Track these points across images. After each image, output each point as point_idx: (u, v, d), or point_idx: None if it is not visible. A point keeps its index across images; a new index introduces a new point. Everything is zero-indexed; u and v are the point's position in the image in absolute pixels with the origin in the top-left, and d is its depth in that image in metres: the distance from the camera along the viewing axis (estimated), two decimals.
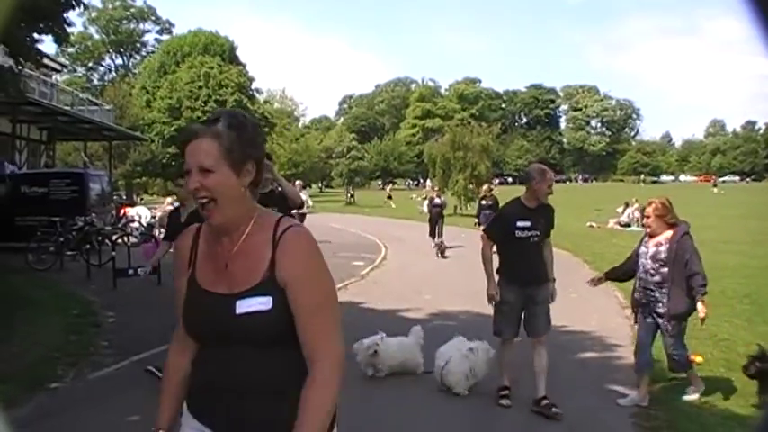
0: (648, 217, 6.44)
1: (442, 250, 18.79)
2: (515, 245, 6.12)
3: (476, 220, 20.43)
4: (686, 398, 6.35)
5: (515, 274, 6.19)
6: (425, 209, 23.80)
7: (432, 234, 20.57)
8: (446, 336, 7.35)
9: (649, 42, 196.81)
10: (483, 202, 20.27)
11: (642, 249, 6.45)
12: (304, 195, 20.70)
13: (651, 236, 6.39)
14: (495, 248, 6.40)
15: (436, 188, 24.91)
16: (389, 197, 54.76)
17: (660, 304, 6.17)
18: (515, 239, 6.10)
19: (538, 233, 6.15)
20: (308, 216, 18.30)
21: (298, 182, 22.88)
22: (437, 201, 21.65)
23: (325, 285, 2.08)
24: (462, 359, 6.67)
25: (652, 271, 6.20)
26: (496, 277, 6.31)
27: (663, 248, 6.17)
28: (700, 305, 6.03)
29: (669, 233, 6.20)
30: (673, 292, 6.06)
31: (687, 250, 6.11)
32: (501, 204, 18.94)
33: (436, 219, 20.90)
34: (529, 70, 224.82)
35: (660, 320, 6.20)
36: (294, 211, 23.53)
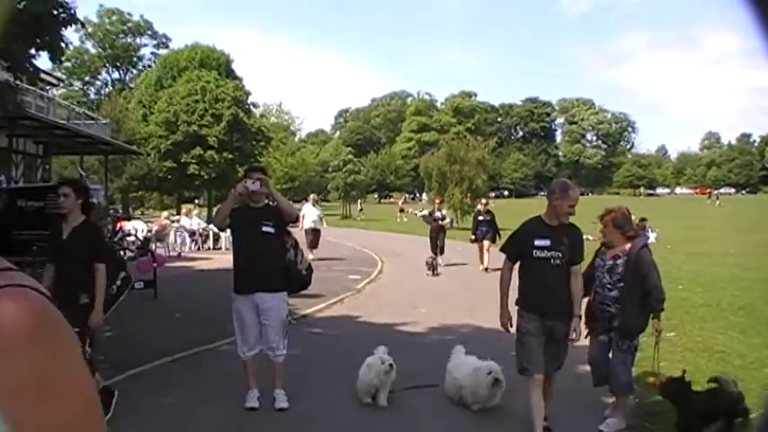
0: (605, 226, 6.15)
1: (433, 267, 17.53)
2: (533, 266, 5.62)
3: (472, 237, 18.98)
4: (603, 428, 5.99)
5: (532, 300, 5.60)
6: (419, 215, 22.16)
7: (434, 251, 18.58)
8: (447, 350, 7.36)
9: (645, 56, 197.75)
10: (480, 218, 18.75)
11: (599, 262, 6.18)
12: (317, 211, 20.36)
13: (608, 247, 6.14)
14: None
15: (437, 200, 22.26)
16: (402, 210, 54.70)
17: (616, 320, 5.93)
18: (533, 260, 5.60)
19: (560, 255, 5.56)
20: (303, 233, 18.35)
21: (312, 195, 22.33)
22: (437, 214, 19.50)
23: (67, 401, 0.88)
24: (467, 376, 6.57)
25: (609, 285, 5.97)
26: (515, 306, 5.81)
27: (620, 262, 5.95)
28: (654, 321, 5.86)
29: (627, 246, 5.97)
30: (628, 307, 5.82)
31: (645, 264, 5.88)
32: (496, 218, 18.46)
33: (437, 233, 19.05)
34: (524, 84, 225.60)
35: (612, 336, 5.96)
36: (308, 227, 19.81)
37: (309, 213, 20.02)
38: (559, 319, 5.60)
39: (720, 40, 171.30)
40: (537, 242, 5.54)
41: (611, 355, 6.03)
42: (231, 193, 6.86)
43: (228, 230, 7.24)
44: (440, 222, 19.29)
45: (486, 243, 18.23)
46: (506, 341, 9.24)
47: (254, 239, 6.45)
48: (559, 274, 5.57)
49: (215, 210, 5.61)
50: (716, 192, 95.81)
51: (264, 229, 6.43)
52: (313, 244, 19.45)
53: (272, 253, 6.48)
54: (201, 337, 9.25)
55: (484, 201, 20.29)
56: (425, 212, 20.63)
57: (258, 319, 6.51)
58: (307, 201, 21.98)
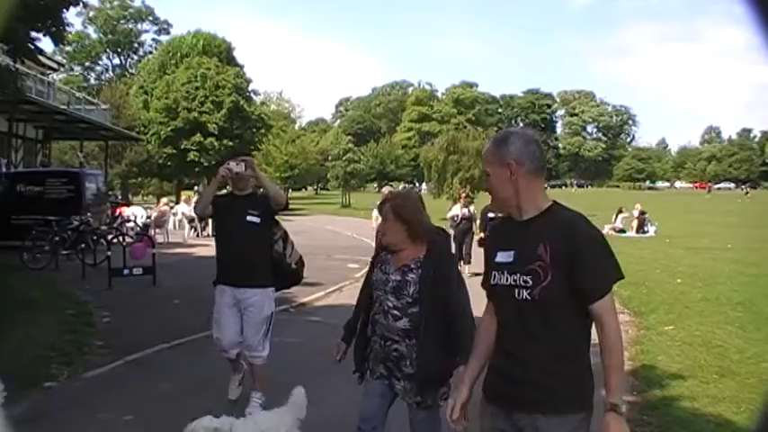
0: (385, 221, 4.02)
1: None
2: (496, 308, 2.94)
3: (481, 235, 13.97)
4: None
5: (490, 378, 2.95)
6: (447, 217, 15.75)
7: (460, 257, 14.51)
8: None
9: (647, 49, 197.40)
10: (491, 214, 13.31)
11: (378, 276, 4.03)
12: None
13: (394, 253, 3.99)
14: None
15: (462, 194, 16.96)
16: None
17: (407, 362, 3.89)
18: (493, 294, 2.93)
19: (531, 280, 2.69)
20: (303, 219, 17.90)
21: (387, 188, 17.00)
22: (465, 212, 15.31)
23: None
24: None
25: (395, 312, 3.87)
26: None
27: (413, 276, 3.86)
28: (462, 369, 3.34)
29: (423, 251, 3.90)
30: (426, 344, 3.78)
31: (449, 278, 3.88)
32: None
33: (462, 237, 15.15)
34: (525, 75, 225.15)
35: (403, 386, 3.95)
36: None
37: (460, 216, 15.36)
38: (537, 409, 2.80)
39: (723, 35, 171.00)
40: (498, 258, 2.84)
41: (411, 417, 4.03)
42: (214, 179, 6.32)
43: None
44: (466, 223, 15.32)
45: None
46: None
47: (236, 229, 5.89)
48: (536, 322, 2.69)
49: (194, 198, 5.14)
50: (712, 186, 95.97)
51: (249, 218, 5.87)
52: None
53: (256, 245, 5.90)
54: (200, 323, 9.23)
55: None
56: (455, 213, 15.35)
57: (240, 316, 6.00)
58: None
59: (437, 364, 3.79)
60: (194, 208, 8.44)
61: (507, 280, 2.76)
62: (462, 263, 14.53)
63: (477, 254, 12.74)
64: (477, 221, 14.75)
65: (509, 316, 2.79)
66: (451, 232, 13.84)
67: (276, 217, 6.15)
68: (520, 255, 2.74)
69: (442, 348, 3.79)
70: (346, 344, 4.22)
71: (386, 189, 15.76)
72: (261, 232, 5.94)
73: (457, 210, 15.49)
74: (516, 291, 2.72)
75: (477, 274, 13.61)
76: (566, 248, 2.63)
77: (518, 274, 2.71)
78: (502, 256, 2.82)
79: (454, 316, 3.80)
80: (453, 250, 13.75)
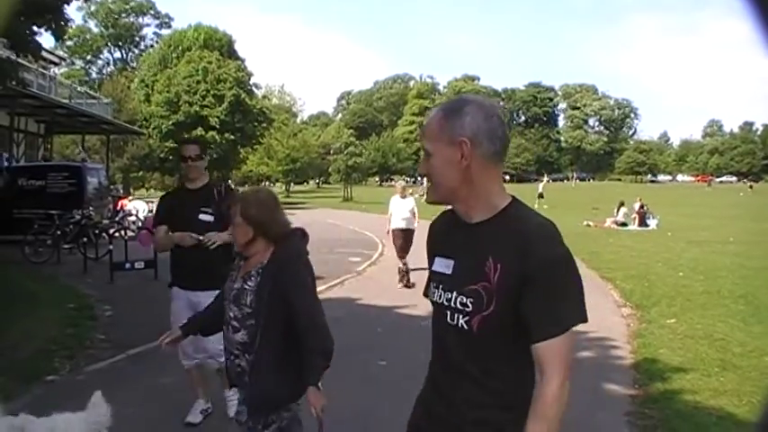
0: (234, 224, 3.49)
1: (404, 273, 12.90)
2: (433, 330, 2.29)
3: None
4: None
5: (416, 405, 2.41)
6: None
7: None
8: None
9: (649, 42, 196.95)
10: None
11: (227, 284, 3.58)
12: (409, 204, 13.56)
13: (246, 258, 3.54)
14: None
15: None
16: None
17: (246, 379, 3.47)
18: (433, 314, 2.29)
19: (472, 302, 2.05)
20: (305, 213, 17.76)
21: (400, 182, 15.85)
22: None
23: None
24: None
25: (234, 323, 3.42)
26: None
27: (251, 284, 3.40)
28: (311, 391, 3.20)
29: (268, 254, 3.41)
30: (260, 361, 3.33)
31: (293, 287, 3.32)
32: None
33: None
34: (527, 68, 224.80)
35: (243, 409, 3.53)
36: (397, 226, 13.43)
37: (398, 208, 13.84)
38: None
39: (725, 27, 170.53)
40: (435, 265, 2.24)
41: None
42: (176, 234, 5.21)
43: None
44: None
45: None
46: None
47: (188, 230, 5.16)
48: (470, 359, 2.09)
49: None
50: (718, 180, 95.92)
51: (201, 217, 5.20)
52: (403, 249, 13.50)
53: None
54: None
55: None
56: None
57: None
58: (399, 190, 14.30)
59: (273, 385, 3.31)
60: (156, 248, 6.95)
61: (441, 297, 2.12)
62: None
63: None
64: None
65: (439, 342, 2.19)
66: None
67: None
68: (460, 268, 2.09)
69: (279, 368, 3.31)
70: (182, 333, 3.69)
71: (399, 183, 15.14)
72: (216, 230, 5.14)
73: None
74: (450, 314, 2.08)
75: (410, 270, 12.96)
76: (519, 269, 1.95)
77: (454, 293, 2.07)
78: (439, 264, 2.18)
79: (301, 329, 3.27)
80: None
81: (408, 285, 12.55)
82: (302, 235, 3.55)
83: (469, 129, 2.02)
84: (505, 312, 1.98)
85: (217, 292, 4.45)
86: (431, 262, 2.25)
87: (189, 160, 5.30)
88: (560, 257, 2.00)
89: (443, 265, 2.16)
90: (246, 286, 3.38)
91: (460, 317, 2.05)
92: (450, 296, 2.09)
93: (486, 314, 2.00)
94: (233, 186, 12.10)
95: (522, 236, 1.98)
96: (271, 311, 3.29)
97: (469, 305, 2.03)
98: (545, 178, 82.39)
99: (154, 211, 5.60)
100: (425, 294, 2.28)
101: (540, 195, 46.04)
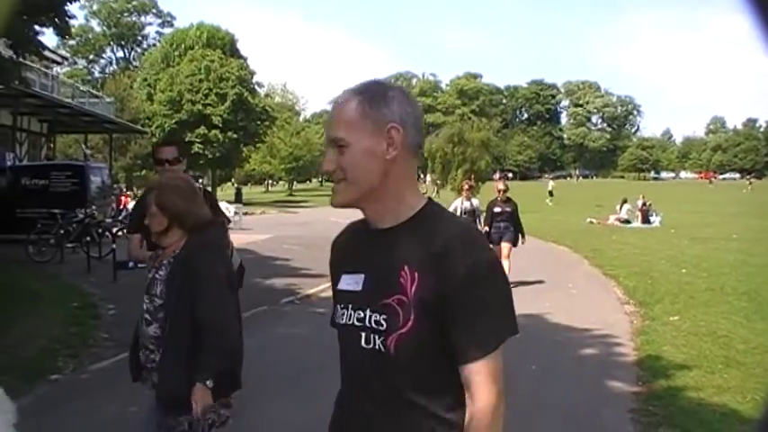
0: (149, 212, 3.34)
1: None
2: (340, 351, 1.95)
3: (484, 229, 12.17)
4: None
5: None
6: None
7: None
8: None
9: (652, 38, 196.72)
10: (496, 209, 12.43)
11: (156, 274, 3.38)
12: (472, 204, 12.99)
13: (163, 249, 3.41)
14: None
15: (466, 186, 14.47)
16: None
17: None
18: (339, 334, 1.94)
19: (382, 323, 1.74)
20: (308, 211, 17.69)
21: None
22: (467, 205, 12.98)
23: None
24: None
25: (147, 316, 3.36)
26: None
27: (161, 274, 3.31)
28: (197, 388, 3.03)
29: (182, 244, 3.29)
30: (168, 357, 3.19)
31: (198, 279, 3.16)
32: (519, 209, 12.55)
33: None
34: (530, 66, 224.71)
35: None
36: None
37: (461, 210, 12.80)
38: None
39: (729, 24, 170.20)
40: (342, 284, 1.93)
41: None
42: (142, 251, 4.69)
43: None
44: (467, 217, 12.56)
45: (504, 247, 12.12)
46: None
47: None
48: (388, 385, 1.76)
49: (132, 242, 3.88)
50: (721, 177, 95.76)
51: None
52: None
53: None
54: None
55: (501, 185, 13.17)
56: (455, 206, 13.13)
57: None
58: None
59: (179, 383, 3.08)
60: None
61: (351, 318, 1.81)
62: None
63: None
64: (482, 216, 12.99)
65: (354, 369, 1.86)
66: None
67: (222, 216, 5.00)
68: (372, 281, 1.79)
69: (188, 365, 3.10)
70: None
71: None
72: None
73: (458, 203, 13.40)
74: (365, 335, 1.76)
75: None
76: (438, 279, 1.68)
77: (367, 311, 1.76)
78: (346, 282, 1.88)
79: (200, 324, 3.10)
80: None
81: None
82: (221, 226, 3.42)
83: (398, 115, 1.73)
84: (426, 329, 1.69)
85: None
86: (336, 282, 1.94)
87: (166, 164, 4.68)
88: (484, 266, 1.72)
89: (352, 282, 1.84)
90: (157, 276, 3.29)
91: (376, 337, 1.73)
92: (362, 315, 1.77)
93: (403, 332, 1.69)
94: (209, 188, 11.71)
95: (441, 242, 1.70)
96: (180, 304, 3.14)
97: (383, 323, 1.72)
98: (549, 177, 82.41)
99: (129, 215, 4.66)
100: (332, 323, 1.94)
101: (551, 193, 46.19)
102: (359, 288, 1.80)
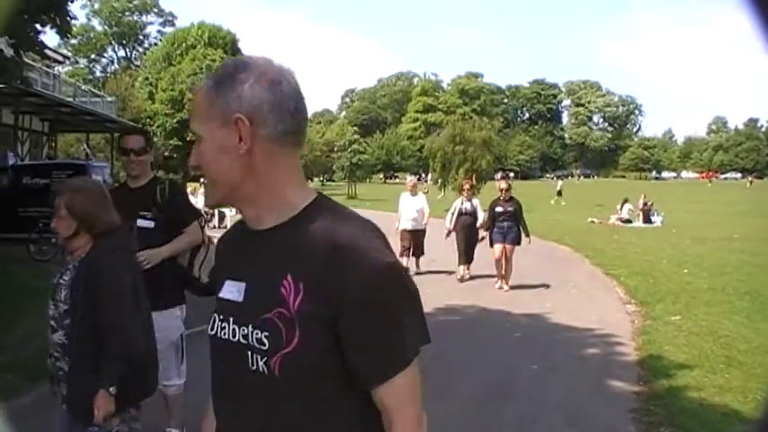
0: (57, 216, 3.27)
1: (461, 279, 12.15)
2: (212, 370, 1.65)
3: (483, 234, 12.37)
4: None
5: None
6: (450, 213, 13.15)
7: (461, 258, 12.81)
8: (451, 330, 7.33)
9: (653, 38, 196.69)
10: (498, 208, 11.95)
11: (60, 279, 3.24)
12: (418, 203, 13.12)
13: (71, 253, 3.31)
14: None
15: (466, 185, 13.77)
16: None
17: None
18: (211, 350, 1.67)
19: (264, 340, 1.45)
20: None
21: (411, 178, 15.27)
22: (467, 206, 12.81)
23: None
24: None
25: (52, 323, 3.16)
26: None
27: (65, 279, 3.22)
28: (101, 395, 2.97)
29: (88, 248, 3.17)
30: (76, 364, 3.09)
31: (99, 284, 3.04)
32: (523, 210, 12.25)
33: (463, 233, 12.63)
34: (531, 65, 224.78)
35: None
36: (405, 226, 12.76)
37: (407, 206, 13.19)
38: None
39: (730, 24, 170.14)
40: (223, 291, 1.60)
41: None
42: None
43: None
44: (468, 218, 12.77)
45: (507, 248, 11.80)
46: (511, 323, 9.32)
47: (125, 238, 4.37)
48: (273, 414, 1.48)
49: None
50: (722, 177, 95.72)
51: (140, 223, 4.30)
52: (408, 252, 12.89)
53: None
54: (203, 316, 9.28)
55: (503, 185, 12.49)
56: (455, 206, 12.99)
57: None
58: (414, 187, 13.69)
59: (87, 391, 2.98)
60: None
61: (236, 333, 1.50)
62: (460, 263, 12.84)
63: (485, 253, 12.33)
64: (481, 216, 12.75)
65: (232, 397, 1.55)
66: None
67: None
68: (253, 292, 1.51)
69: (95, 371, 3.00)
70: None
71: (410, 179, 14.48)
72: (157, 240, 4.34)
73: (458, 203, 13.09)
74: (247, 354, 1.46)
75: (480, 276, 12.61)
76: (330, 290, 1.40)
77: (250, 326, 1.47)
78: (228, 290, 1.57)
79: (103, 330, 3.00)
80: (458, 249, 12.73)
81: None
82: (128, 231, 3.33)
83: (248, 102, 1.45)
84: (316, 348, 1.42)
85: (173, 309, 4.49)
86: (218, 288, 1.62)
87: (131, 153, 4.41)
88: (382, 271, 1.42)
89: (234, 291, 1.54)
90: (62, 281, 3.17)
91: (259, 358, 1.44)
92: (246, 331, 1.47)
93: (287, 352, 1.41)
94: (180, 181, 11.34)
95: (329, 245, 1.42)
96: (86, 309, 3.03)
97: (265, 341, 1.43)
98: (550, 176, 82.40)
99: None
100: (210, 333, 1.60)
101: (559, 193, 46.31)
102: (240, 299, 1.52)
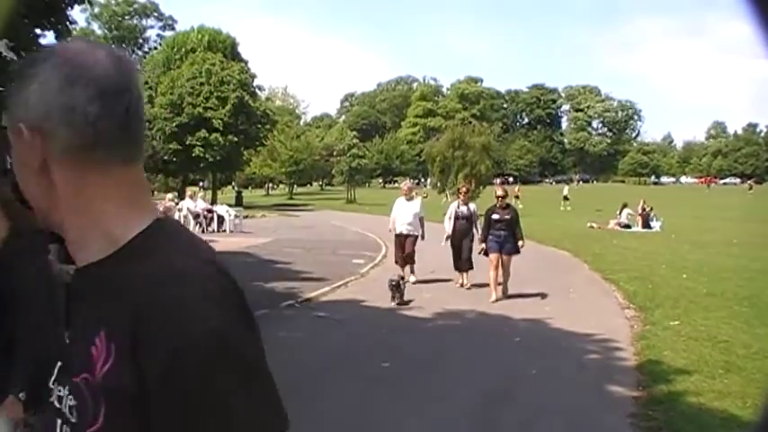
0: None
1: (395, 287, 10.98)
2: None
3: (481, 244, 11.85)
4: None
5: None
6: (446, 216, 12.95)
7: (457, 265, 12.70)
8: (449, 334, 7.35)
9: (652, 44, 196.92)
10: (495, 216, 11.61)
11: None
12: (414, 208, 13.01)
13: None
14: None
15: (463, 189, 13.66)
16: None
17: None
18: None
19: (74, 411, 1.10)
20: (309, 215, 17.76)
21: (406, 182, 14.94)
22: (463, 209, 12.66)
23: None
24: None
25: None
26: None
27: None
28: (10, 401, 2.76)
29: None
30: None
31: (12, 287, 2.83)
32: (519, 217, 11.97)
33: (461, 238, 12.49)
34: (530, 70, 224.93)
35: None
36: (400, 230, 12.58)
37: (402, 211, 13.07)
38: None
39: (729, 29, 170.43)
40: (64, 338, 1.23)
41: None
42: None
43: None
44: (465, 222, 12.59)
45: (504, 258, 11.49)
46: (510, 328, 9.33)
47: None
48: None
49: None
50: (721, 182, 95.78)
51: None
52: (403, 257, 12.91)
53: None
54: None
55: (500, 191, 12.09)
56: (451, 211, 12.79)
57: None
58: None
59: None
60: None
61: (53, 393, 1.16)
62: (458, 271, 12.72)
63: (484, 259, 11.93)
64: (479, 221, 12.37)
65: None
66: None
67: None
68: (73, 344, 1.15)
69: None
70: None
71: (405, 183, 14.32)
72: None
73: (453, 207, 12.83)
74: (59, 423, 1.12)
75: (405, 284, 11.51)
76: (137, 361, 1.01)
77: (65, 389, 1.12)
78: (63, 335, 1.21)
79: (10, 334, 2.79)
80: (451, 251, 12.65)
81: (402, 303, 10.88)
82: (40, 233, 3.04)
83: (33, 108, 1.09)
84: (119, 430, 1.04)
85: None
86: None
87: None
88: (206, 338, 1.00)
89: (61, 339, 1.19)
90: None
91: (66, 428, 1.10)
92: (60, 393, 1.12)
93: (94, 429, 1.04)
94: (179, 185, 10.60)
95: (149, 297, 1.02)
96: None
97: (74, 412, 1.09)
98: (550, 181, 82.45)
99: None
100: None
101: (566, 198, 46.35)
102: (67, 350, 1.17)
